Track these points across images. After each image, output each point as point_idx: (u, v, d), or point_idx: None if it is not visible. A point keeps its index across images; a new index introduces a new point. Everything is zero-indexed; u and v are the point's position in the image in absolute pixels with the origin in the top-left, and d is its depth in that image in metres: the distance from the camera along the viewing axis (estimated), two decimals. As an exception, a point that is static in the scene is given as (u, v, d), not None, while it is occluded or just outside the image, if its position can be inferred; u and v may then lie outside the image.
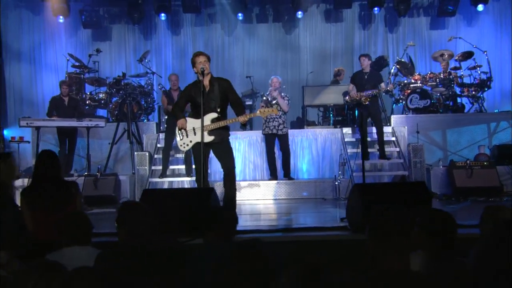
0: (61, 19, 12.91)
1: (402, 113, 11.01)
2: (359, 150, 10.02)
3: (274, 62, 13.90)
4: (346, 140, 10.15)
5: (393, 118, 10.78)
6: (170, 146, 9.27)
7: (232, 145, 9.74)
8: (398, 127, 10.38)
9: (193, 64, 6.46)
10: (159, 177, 9.35)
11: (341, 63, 13.51)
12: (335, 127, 10.65)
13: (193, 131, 6.37)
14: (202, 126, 6.21)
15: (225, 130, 6.45)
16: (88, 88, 11.79)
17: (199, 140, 6.26)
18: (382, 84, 9.64)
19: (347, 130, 10.34)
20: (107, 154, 10.02)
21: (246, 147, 10.23)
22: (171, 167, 9.87)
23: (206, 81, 6.43)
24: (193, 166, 7.33)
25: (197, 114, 6.29)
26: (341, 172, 9.30)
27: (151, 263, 3.39)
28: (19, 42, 13.31)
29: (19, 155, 10.49)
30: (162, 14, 13.03)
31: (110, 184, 8.82)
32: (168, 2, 12.98)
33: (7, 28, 13.22)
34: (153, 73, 11.40)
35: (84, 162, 10.20)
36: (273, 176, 9.56)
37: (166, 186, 9.47)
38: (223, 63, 13.75)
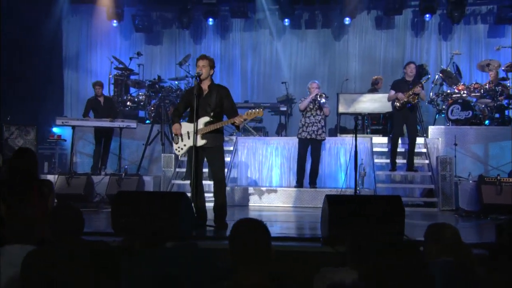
0: (114, 23, 13.43)
1: (445, 124, 10.54)
2: (380, 161, 9.79)
3: (321, 68, 13.76)
4: (375, 149, 9.87)
5: (431, 129, 10.36)
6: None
7: (261, 151, 9.87)
8: (431, 138, 9.96)
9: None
10: (182, 179, 9.49)
11: (391, 71, 13.20)
12: (367, 135, 10.38)
13: (187, 135, 6.42)
14: (196, 129, 6.21)
15: (219, 135, 6.43)
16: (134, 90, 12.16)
17: (192, 143, 6.29)
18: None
19: (377, 140, 10.04)
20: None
21: (273, 152, 10.16)
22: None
23: (205, 86, 6.44)
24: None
25: (192, 118, 6.33)
26: (361, 182, 9.02)
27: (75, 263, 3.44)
28: (77, 45, 13.99)
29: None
30: (210, 19, 13.25)
31: (132, 184, 9.03)
32: (217, 7, 13.17)
33: (67, 32, 13.95)
34: (192, 76, 11.57)
35: (115, 161, 10.50)
36: (299, 183, 9.41)
37: (188, 188, 9.58)
38: (271, 68, 13.77)
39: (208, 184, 9.57)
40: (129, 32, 13.88)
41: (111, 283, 3.48)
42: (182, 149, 6.51)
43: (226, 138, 10.36)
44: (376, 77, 11.68)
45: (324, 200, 5.25)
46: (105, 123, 9.86)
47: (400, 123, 9.42)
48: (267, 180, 10.10)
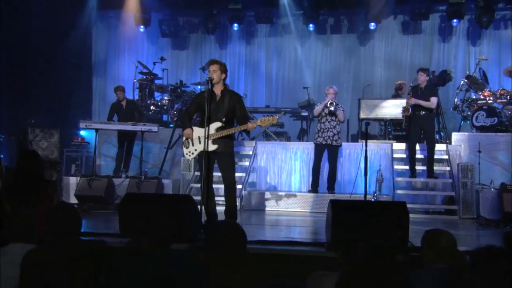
0: (142, 29, 13.63)
1: (470, 131, 10.33)
2: (401, 167, 9.65)
3: (346, 72, 13.68)
4: (396, 156, 9.74)
5: (454, 135, 10.13)
6: None
7: (280, 155, 9.85)
8: (454, 145, 9.77)
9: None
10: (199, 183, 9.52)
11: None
12: (387, 141, 10.26)
13: (198, 140, 6.45)
14: (208, 133, 6.23)
15: (230, 140, 6.45)
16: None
17: (203, 148, 6.30)
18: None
19: (398, 146, 9.90)
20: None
21: (292, 157, 10.12)
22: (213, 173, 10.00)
23: (218, 91, 6.46)
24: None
25: (203, 123, 6.34)
26: (378, 188, 8.90)
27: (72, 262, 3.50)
28: (105, 51, 14.27)
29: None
30: (235, 24, 13.32)
31: (151, 186, 9.12)
32: (242, 13, 13.23)
33: (96, 38, 14.23)
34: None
35: (145, 165, 10.61)
36: (313, 188, 9.35)
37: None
38: (295, 73, 13.74)
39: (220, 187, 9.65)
40: (156, 37, 14.06)
41: (108, 282, 3.54)
42: (192, 153, 6.55)
43: (245, 143, 10.43)
44: (399, 82, 11.51)
45: (328, 205, 5.20)
46: (127, 127, 9.97)
47: (416, 130, 9.28)
48: (286, 184, 10.06)
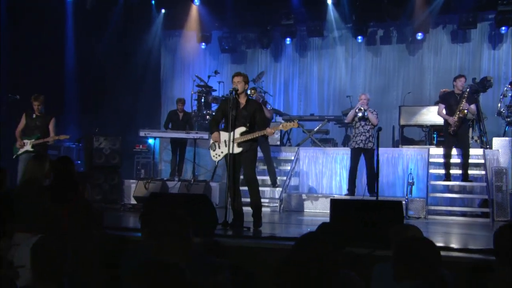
0: (203, 46, 14.11)
1: (512, 137, 9.91)
2: (438, 171, 9.39)
3: (396, 82, 13.43)
4: (432, 160, 9.50)
5: (495, 140, 9.74)
6: None
7: (321, 160, 9.91)
8: (491, 150, 9.40)
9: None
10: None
11: (466, 84, 12.53)
12: (424, 146, 10.02)
13: (224, 143, 6.65)
14: (233, 137, 6.42)
15: (253, 142, 6.61)
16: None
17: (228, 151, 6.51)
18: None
19: (435, 151, 9.64)
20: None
21: (332, 162, 10.12)
22: (258, 177, 10.13)
23: (242, 100, 6.67)
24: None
25: (228, 128, 6.56)
26: (409, 191, 8.72)
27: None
28: (172, 65, 14.89)
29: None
30: (287, 39, 13.47)
31: (200, 189, 9.40)
32: (294, 28, 13.35)
33: (165, 54, 14.88)
34: (265, 92, 11.83)
35: (198, 169, 10.95)
36: (350, 191, 9.29)
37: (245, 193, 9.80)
38: (346, 83, 13.67)
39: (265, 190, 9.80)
40: (217, 53, 14.47)
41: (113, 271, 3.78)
42: (219, 155, 6.75)
43: (288, 149, 10.54)
44: (443, 90, 11.17)
45: (330, 204, 5.23)
46: (181, 135, 10.34)
47: (450, 135, 9.01)
48: (327, 188, 10.08)
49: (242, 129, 6.55)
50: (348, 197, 8.88)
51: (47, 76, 11.40)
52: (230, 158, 6.49)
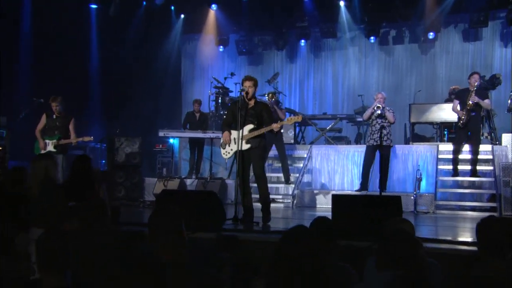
0: (221, 49, 14.30)
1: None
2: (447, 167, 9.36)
3: (408, 81, 13.41)
4: (441, 156, 9.48)
5: (504, 136, 9.71)
6: (266, 157, 9.64)
7: (333, 157, 9.97)
8: (500, 146, 9.34)
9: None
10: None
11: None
12: (434, 142, 10.00)
13: (233, 141, 6.79)
14: (242, 134, 6.56)
15: (261, 139, 6.72)
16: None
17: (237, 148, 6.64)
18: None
19: (444, 147, 9.62)
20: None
21: (344, 159, 10.16)
22: (273, 174, 10.29)
23: (251, 101, 6.80)
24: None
25: (237, 127, 6.69)
26: (417, 186, 8.71)
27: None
28: (192, 68, 15.12)
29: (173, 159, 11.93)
30: (302, 40, 13.57)
31: (216, 186, 9.55)
32: (308, 30, 13.44)
33: (185, 57, 15.11)
34: (279, 92, 11.90)
35: (216, 167, 11.10)
36: (363, 187, 9.31)
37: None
38: (359, 82, 13.68)
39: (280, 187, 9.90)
40: (234, 55, 14.62)
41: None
42: (229, 153, 6.90)
43: (301, 147, 10.62)
44: (453, 87, 11.11)
45: (331, 199, 5.30)
46: (198, 134, 10.51)
47: (460, 131, 8.98)
48: (339, 184, 10.13)
49: (250, 126, 6.68)
50: (350, 192, 8.90)
51: (72, 80, 11.72)
52: (239, 155, 6.61)
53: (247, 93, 6.72)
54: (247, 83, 6.76)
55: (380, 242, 3.04)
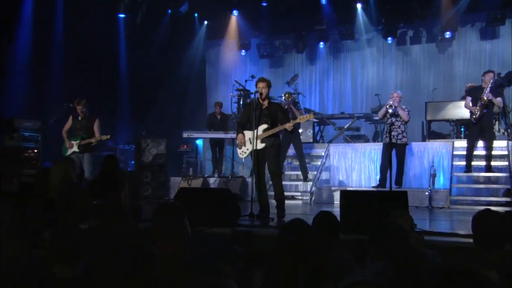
0: (243, 53, 14.45)
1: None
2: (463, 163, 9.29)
3: (426, 80, 13.30)
4: (456, 153, 9.43)
5: (519, 132, 9.56)
6: (284, 155, 9.74)
7: (350, 155, 10.01)
8: (515, 141, 9.25)
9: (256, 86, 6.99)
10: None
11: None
12: (450, 139, 9.92)
13: (249, 141, 6.91)
14: (256, 134, 6.69)
15: (275, 138, 6.85)
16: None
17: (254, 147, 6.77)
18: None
19: (459, 144, 9.55)
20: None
21: (361, 156, 10.18)
22: (292, 172, 10.38)
23: (265, 102, 6.93)
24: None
25: (252, 127, 6.81)
26: (432, 182, 8.68)
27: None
28: (216, 72, 15.31)
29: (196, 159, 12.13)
30: (321, 43, 13.64)
31: (236, 184, 9.72)
32: (327, 32, 13.51)
33: (209, 62, 15.34)
34: (298, 93, 11.99)
35: (237, 166, 11.25)
36: (381, 184, 9.30)
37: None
38: (378, 82, 13.65)
39: (299, 184, 9.98)
40: (256, 58, 14.78)
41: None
42: (245, 153, 7.03)
43: (319, 145, 10.68)
44: (470, 84, 10.99)
45: (339, 195, 5.38)
46: (220, 135, 10.70)
47: (473, 127, 8.91)
48: (356, 181, 10.17)
49: (264, 126, 6.82)
50: (365, 189, 8.91)
51: (101, 85, 12.06)
52: (254, 154, 6.74)
53: (261, 94, 6.85)
54: (261, 84, 6.91)
55: (371, 234, 3.11)
